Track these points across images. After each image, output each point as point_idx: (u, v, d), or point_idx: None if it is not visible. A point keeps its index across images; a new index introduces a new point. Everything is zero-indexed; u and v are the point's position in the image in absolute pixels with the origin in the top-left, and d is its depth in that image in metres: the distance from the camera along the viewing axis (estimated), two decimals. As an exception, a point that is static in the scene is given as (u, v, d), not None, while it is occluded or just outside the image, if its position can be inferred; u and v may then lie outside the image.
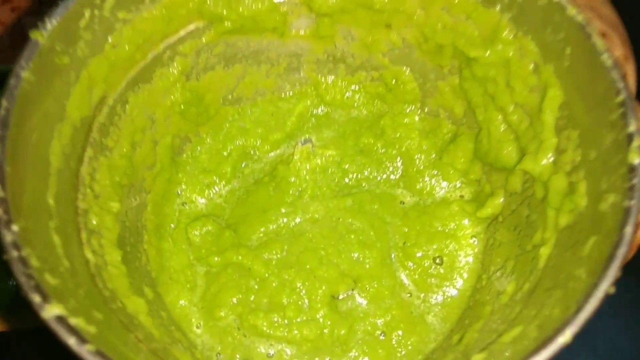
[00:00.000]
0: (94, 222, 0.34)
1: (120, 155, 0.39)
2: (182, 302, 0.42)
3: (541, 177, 0.34)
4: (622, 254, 0.24)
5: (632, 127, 0.27)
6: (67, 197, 0.32)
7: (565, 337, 0.23)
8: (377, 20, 0.42)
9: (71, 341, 0.22)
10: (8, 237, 0.25)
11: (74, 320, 0.23)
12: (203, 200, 0.46)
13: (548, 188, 0.33)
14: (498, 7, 0.36)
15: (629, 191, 0.25)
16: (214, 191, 0.47)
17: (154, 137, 0.43)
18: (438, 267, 0.43)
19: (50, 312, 0.23)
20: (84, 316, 0.24)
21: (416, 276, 0.43)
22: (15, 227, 0.25)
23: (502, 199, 0.40)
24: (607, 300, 0.25)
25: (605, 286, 0.23)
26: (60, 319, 0.23)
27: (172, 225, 0.45)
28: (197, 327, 0.41)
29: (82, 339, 0.22)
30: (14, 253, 0.24)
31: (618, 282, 0.25)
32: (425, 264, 0.43)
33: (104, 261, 0.34)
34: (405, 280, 0.43)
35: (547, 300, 0.27)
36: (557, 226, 0.32)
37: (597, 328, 0.51)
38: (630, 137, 0.27)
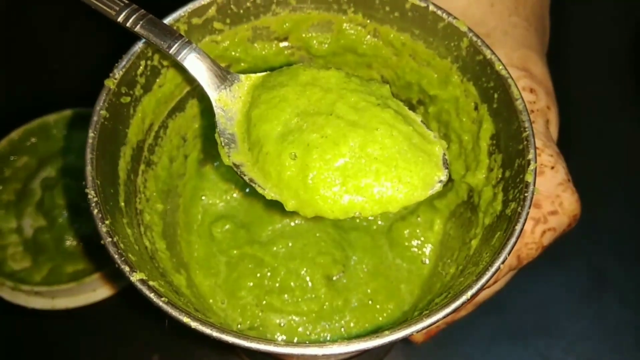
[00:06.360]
0: (147, 219, 0.46)
1: (162, 168, 0.49)
2: (207, 283, 0.54)
3: (477, 188, 0.46)
4: (512, 243, 0.37)
5: (530, 155, 0.40)
6: (130, 201, 0.44)
7: (472, 291, 0.35)
8: (360, 62, 0.52)
9: (152, 296, 0.35)
10: (104, 229, 0.37)
11: (152, 283, 0.36)
12: (222, 204, 0.58)
13: (480, 196, 0.45)
14: (449, 59, 0.46)
15: (522, 201, 0.39)
16: (231, 196, 0.59)
17: (185, 153, 0.54)
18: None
19: (136, 277, 0.36)
20: (155, 281, 0.37)
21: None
22: (107, 222, 0.38)
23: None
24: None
25: (498, 264, 0.36)
26: (143, 282, 0.36)
27: (198, 223, 0.57)
28: (222, 303, 0.53)
29: (159, 294, 0.35)
30: (109, 239, 0.37)
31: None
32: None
33: (155, 248, 0.45)
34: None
35: (468, 276, 0.40)
36: (484, 225, 0.43)
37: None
38: (528, 163, 0.40)
